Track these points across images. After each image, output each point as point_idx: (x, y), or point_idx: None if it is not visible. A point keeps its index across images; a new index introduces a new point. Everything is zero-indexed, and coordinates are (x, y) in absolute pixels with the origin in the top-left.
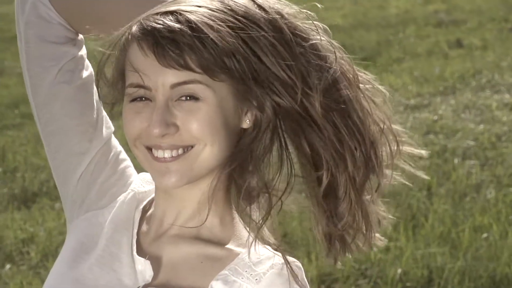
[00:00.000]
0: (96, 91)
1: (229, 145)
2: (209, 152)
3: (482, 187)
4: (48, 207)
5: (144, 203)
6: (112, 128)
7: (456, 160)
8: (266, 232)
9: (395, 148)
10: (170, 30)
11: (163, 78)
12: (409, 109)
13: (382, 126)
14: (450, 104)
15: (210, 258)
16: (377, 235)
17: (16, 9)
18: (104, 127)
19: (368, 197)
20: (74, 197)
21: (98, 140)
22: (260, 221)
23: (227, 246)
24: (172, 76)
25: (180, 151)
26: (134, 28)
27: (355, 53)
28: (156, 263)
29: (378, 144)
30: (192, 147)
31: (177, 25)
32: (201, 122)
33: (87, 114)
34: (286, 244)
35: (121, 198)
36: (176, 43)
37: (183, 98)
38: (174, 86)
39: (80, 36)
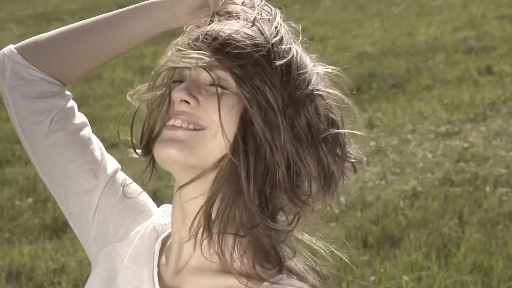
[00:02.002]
0: (94, 135)
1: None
2: (217, 142)
3: None
4: None
5: (164, 235)
6: (118, 165)
7: (487, 188)
8: (292, 261)
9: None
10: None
11: (203, 59)
12: (440, 137)
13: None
14: (481, 131)
15: None
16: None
17: None
18: (108, 162)
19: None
20: (92, 234)
21: (104, 174)
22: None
23: (249, 277)
24: (212, 60)
25: (191, 126)
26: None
27: (385, 80)
28: None
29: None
30: (203, 129)
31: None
32: (223, 107)
33: (88, 154)
34: (315, 273)
35: (140, 230)
36: (226, 41)
37: (215, 85)
38: (211, 68)
39: (67, 92)
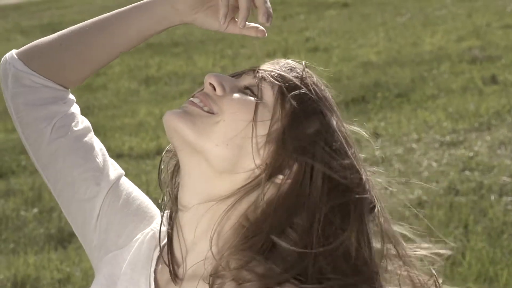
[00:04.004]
0: (97, 139)
1: (234, 155)
2: (217, 129)
3: None
4: None
5: (164, 241)
6: (122, 171)
7: (492, 197)
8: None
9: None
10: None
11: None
12: (444, 146)
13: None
14: (485, 140)
15: None
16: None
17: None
18: (111, 169)
19: None
20: (95, 242)
21: (106, 181)
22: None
23: None
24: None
25: (206, 108)
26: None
27: (390, 89)
28: None
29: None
30: (213, 114)
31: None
32: (240, 103)
33: (90, 160)
34: None
35: (140, 237)
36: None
37: (249, 90)
38: (257, 74)
39: (71, 96)
